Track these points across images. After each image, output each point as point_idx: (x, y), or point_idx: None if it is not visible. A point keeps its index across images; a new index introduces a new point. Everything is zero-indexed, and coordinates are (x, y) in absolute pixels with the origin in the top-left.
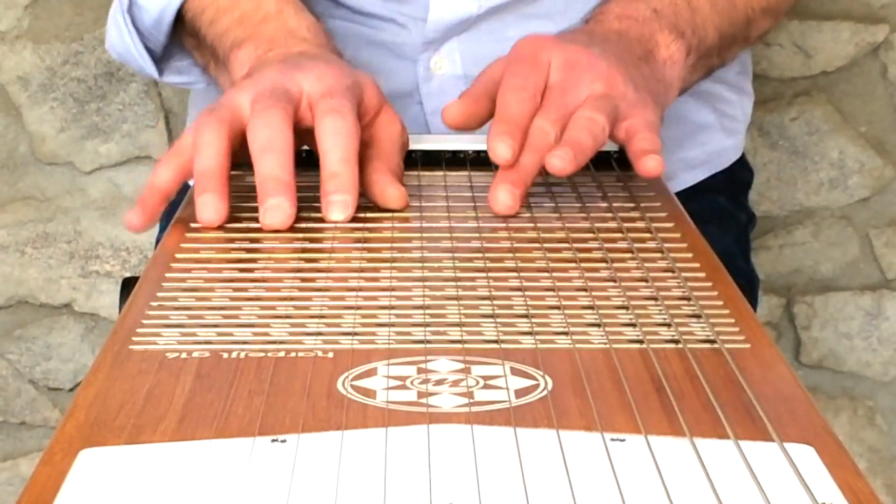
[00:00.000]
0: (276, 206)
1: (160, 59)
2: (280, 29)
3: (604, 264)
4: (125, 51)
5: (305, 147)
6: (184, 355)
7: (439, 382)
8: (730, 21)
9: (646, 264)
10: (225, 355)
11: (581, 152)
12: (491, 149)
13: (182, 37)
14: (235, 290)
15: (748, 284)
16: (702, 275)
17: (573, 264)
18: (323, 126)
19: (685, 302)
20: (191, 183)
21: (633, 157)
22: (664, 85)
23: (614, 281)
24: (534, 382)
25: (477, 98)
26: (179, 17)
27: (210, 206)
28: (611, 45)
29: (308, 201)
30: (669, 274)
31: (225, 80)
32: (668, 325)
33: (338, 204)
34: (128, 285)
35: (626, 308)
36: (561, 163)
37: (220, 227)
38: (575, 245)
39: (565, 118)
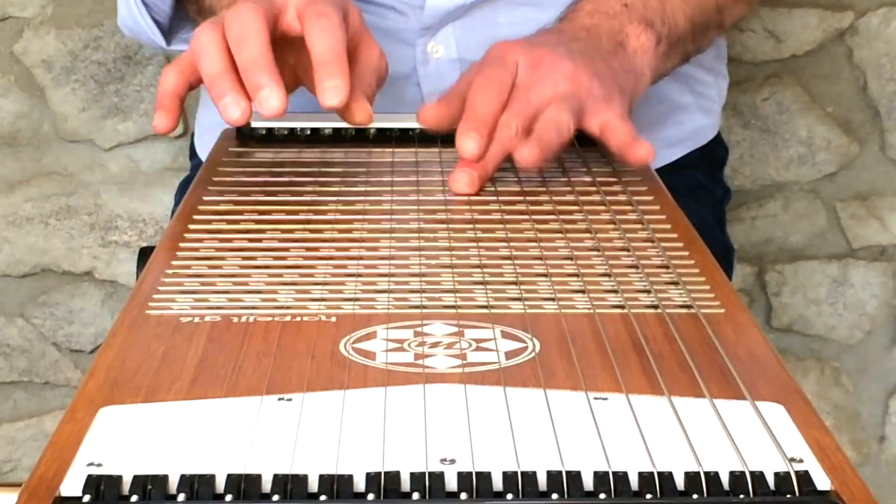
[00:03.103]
0: (268, 95)
1: (168, 31)
2: None
3: (588, 235)
4: (134, 24)
5: (308, 126)
6: (196, 320)
7: (435, 345)
8: (700, 10)
9: (627, 235)
10: (235, 320)
11: (548, 147)
12: (459, 145)
13: (185, 4)
14: (245, 258)
15: (724, 254)
16: (679, 245)
17: (559, 235)
18: (310, 27)
19: (664, 270)
20: (202, 157)
21: (620, 150)
22: (635, 74)
23: (598, 250)
24: (522, 345)
25: (450, 101)
26: None
27: (234, 105)
28: (579, 43)
29: (313, 176)
30: (649, 244)
31: None
32: (648, 292)
33: (331, 90)
34: (145, 254)
35: (609, 275)
36: (528, 154)
37: (230, 200)
38: (561, 217)
39: (530, 115)
